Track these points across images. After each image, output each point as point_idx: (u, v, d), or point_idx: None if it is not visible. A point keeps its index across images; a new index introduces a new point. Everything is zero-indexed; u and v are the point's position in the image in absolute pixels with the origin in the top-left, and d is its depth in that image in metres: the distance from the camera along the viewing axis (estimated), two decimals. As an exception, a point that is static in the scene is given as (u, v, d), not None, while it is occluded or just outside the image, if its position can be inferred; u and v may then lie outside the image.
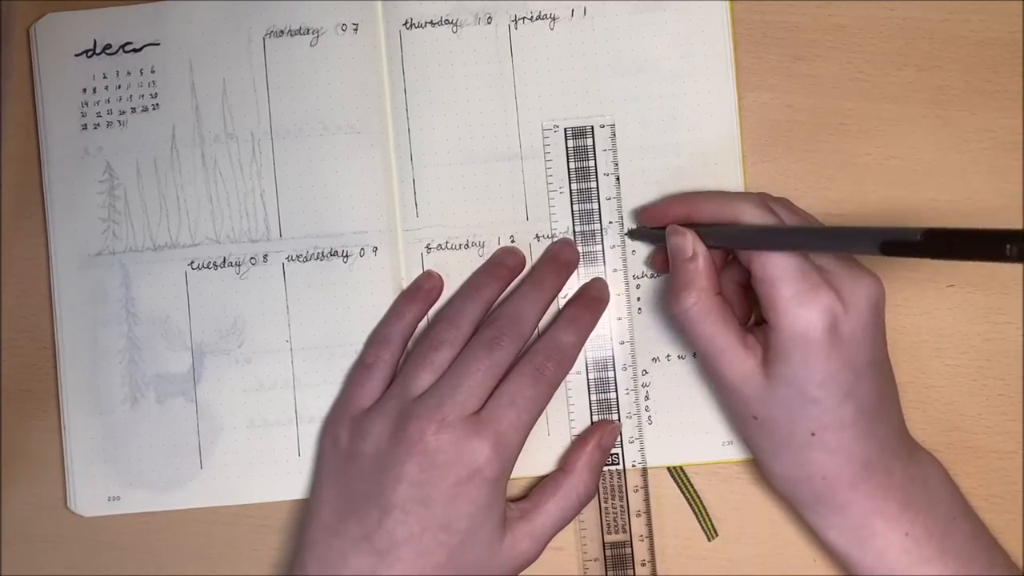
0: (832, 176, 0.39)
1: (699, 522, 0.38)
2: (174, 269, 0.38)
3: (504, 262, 0.38)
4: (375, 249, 0.38)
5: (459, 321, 0.36)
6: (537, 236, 0.39)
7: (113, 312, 0.38)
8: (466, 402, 0.34)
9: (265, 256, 0.38)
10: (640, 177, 0.38)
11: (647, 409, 0.39)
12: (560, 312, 0.37)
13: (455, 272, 0.38)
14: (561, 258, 0.38)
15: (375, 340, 0.37)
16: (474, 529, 0.33)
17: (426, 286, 0.38)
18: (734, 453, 0.38)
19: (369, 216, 0.38)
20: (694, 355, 0.39)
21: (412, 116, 0.38)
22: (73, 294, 0.39)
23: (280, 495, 0.38)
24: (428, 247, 0.39)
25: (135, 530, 0.39)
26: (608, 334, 0.38)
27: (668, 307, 0.35)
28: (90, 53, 0.39)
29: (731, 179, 0.38)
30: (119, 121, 0.39)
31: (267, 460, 0.38)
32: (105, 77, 0.39)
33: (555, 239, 0.38)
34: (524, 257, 0.38)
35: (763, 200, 0.35)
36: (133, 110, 0.39)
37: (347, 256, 0.38)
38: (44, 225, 0.39)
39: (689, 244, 0.34)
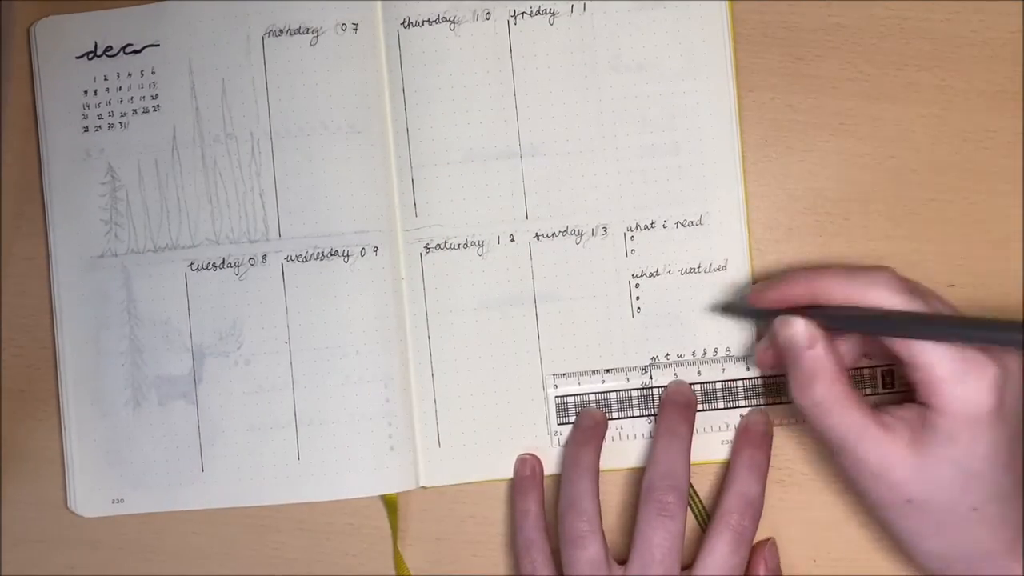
0: (832, 176, 0.39)
1: (697, 521, 0.38)
2: (174, 271, 0.38)
3: (583, 424, 0.38)
4: (376, 249, 0.38)
5: (583, 504, 0.36)
6: (537, 235, 0.39)
7: (115, 314, 0.38)
8: None
9: (264, 257, 0.38)
10: (639, 176, 0.38)
11: (646, 408, 0.38)
12: (734, 460, 0.37)
13: (454, 272, 0.38)
14: (682, 400, 0.37)
15: (521, 549, 0.37)
16: None
17: (526, 473, 0.38)
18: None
19: (369, 216, 0.38)
20: (693, 353, 0.38)
21: (411, 115, 0.38)
22: (74, 296, 0.39)
23: (280, 498, 0.38)
24: (427, 247, 0.39)
25: (136, 530, 0.39)
26: (608, 334, 0.38)
27: (793, 399, 0.33)
28: (91, 55, 0.39)
29: (730, 179, 0.38)
30: (120, 123, 0.39)
31: (267, 463, 0.38)
32: (106, 79, 0.39)
33: (669, 384, 0.38)
34: (603, 422, 0.38)
35: (897, 281, 0.33)
36: (134, 112, 0.39)
37: (347, 256, 0.38)
38: (44, 227, 0.39)
39: (804, 333, 0.33)
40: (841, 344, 0.35)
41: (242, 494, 0.38)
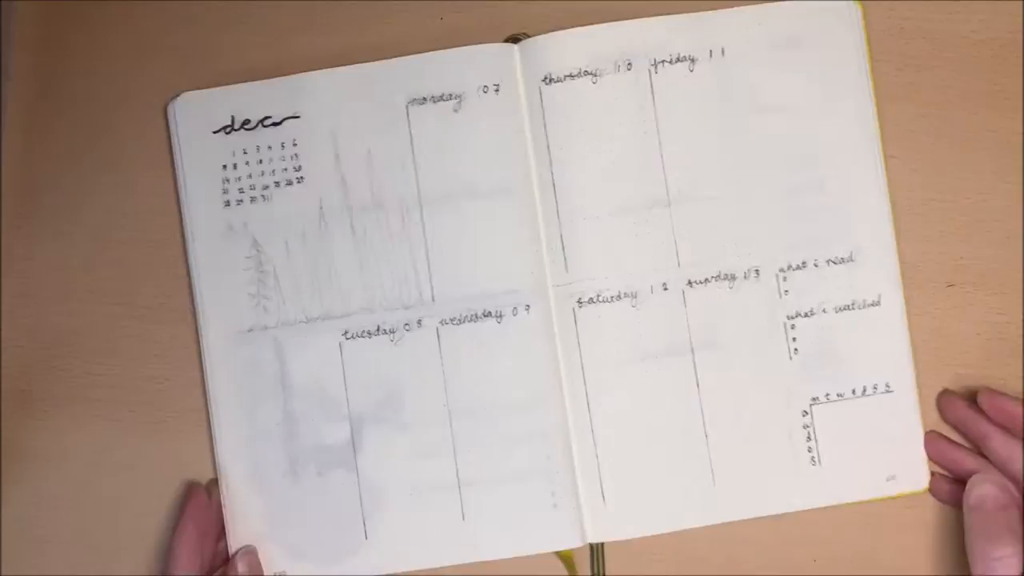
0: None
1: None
2: (328, 340, 0.38)
3: None
4: (527, 307, 0.38)
5: None
6: (690, 282, 0.38)
7: (268, 387, 0.38)
8: None
9: (419, 321, 0.38)
10: (787, 216, 0.38)
11: (810, 451, 0.38)
12: None
13: (608, 325, 0.38)
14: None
15: None
16: None
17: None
18: (893, 489, 0.38)
19: (520, 274, 0.38)
20: (852, 391, 0.38)
21: (556, 170, 0.38)
22: (226, 371, 0.38)
23: (446, 560, 0.38)
24: (579, 301, 0.38)
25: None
26: (768, 377, 0.38)
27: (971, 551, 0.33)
28: (228, 129, 0.39)
29: (878, 212, 0.38)
30: (263, 196, 0.39)
31: (432, 526, 0.38)
32: (245, 152, 0.39)
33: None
34: None
35: None
36: (276, 184, 0.39)
37: (500, 316, 0.38)
38: (192, 304, 0.39)
39: (1007, 495, 0.33)
40: None
41: (408, 558, 0.38)
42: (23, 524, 0.39)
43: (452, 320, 0.38)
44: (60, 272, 0.40)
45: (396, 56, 0.38)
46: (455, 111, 0.38)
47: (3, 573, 0.39)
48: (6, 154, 0.40)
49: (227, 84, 0.39)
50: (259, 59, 0.39)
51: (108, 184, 0.40)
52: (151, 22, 0.40)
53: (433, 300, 0.38)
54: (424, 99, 0.38)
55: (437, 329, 0.38)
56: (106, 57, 0.40)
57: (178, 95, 0.39)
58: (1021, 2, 0.38)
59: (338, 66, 0.38)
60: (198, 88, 0.39)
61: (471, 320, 0.38)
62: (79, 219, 0.40)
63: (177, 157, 0.39)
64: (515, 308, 0.38)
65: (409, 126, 0.38)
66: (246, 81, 0.39)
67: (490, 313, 0.38)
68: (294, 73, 0.39)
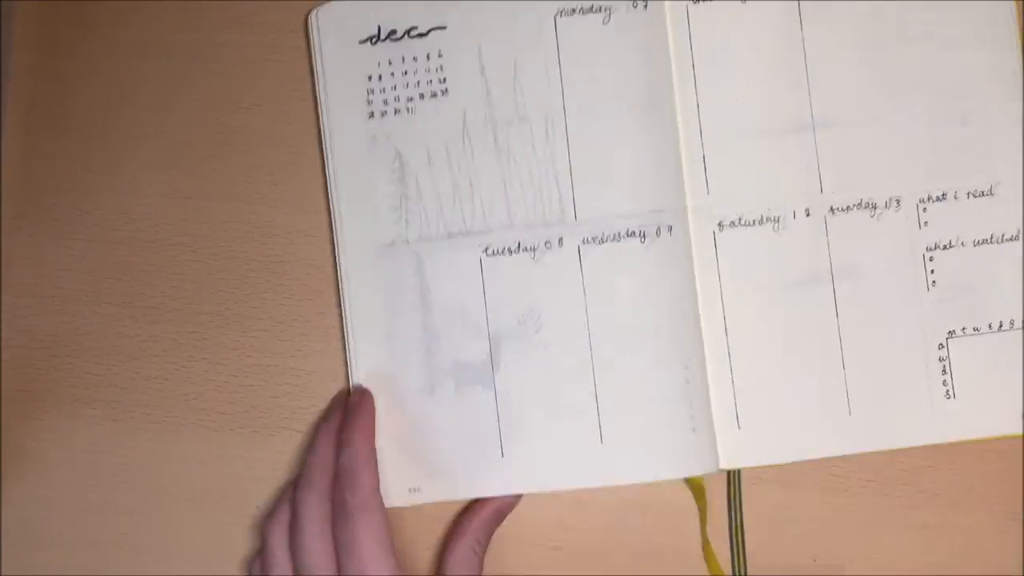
0: None
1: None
2: (468, 256, 0.38)
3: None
4: (670, 228, 0.38)
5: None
6: (832, 209, 0.38)
7: (407, 302, 0.38)
8: None
9: (560, 240, 0.38)
10: (929, 147, 0.38)
11: (944, 384, 0.38)
12: None
13: (749, 249, 0.38)
14: None
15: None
16: None
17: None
18: None
19: (664, 195, 0.38)
20: (989, 326, 0.38)
21: (701, 90, 0.38)
22: (364, 285, 0.38)
23: (582, 482, 0.38)
24: (720, 224, 0.38)
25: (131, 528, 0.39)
26: (904, 309, 0.38)
27: None
28: (374, 39, 0.38)
29: (1019, 148, 0.38)
30: (407, 108, 0.38)
31: (569, 447, 0.37)
32: (391, 63, 0.38)
33: None
34: None
35: None
36: (421, 96, 0.38)
37: (644, 236, 0.37)
38: (329, 216, 0.39)
39: None
40: None
41: (544, 479, 0.38)
42: (23, 524, 0.39)
43: (594, 239, 0.38)
44: (60, 272, 0.40)
45: (546, -32, 0.38)
46: (604, 23, 0.38)
47: (3, 573, 0.39)
48: (6, 154, 0.40)
49: (370, -2, 0.38)
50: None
51: (109, 184, 0.40)
52: (151, 22, 0.40)
53: (575, 218, 0.38)
54: (573, 10, 0.38)
55: (579, 248, 0.38)
56: (106, 57, 0.40)
57: (321, 5, 0.39)
58: (1021, 2, 0.38)
59: (486, -23, 0.38)
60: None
61: (613, 240, 0.38)
62: (79, 219, 0.40)
63: (319, 68, 0.39)
64: (659, 228, 0.38)
65: (557, 38, 0.38)
66: (391, -7, 0.38)
67: (633, 233, 0.37)
68: (440, -15, 0.38)
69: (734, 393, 0.38)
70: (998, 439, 0.38)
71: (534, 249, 0.38)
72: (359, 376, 0.38)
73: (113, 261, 0.40)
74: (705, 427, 0.38)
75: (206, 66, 0.40)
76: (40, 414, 0.39)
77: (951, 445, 0.38)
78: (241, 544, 0.39)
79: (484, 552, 0.37)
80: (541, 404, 0.38)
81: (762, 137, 0.38)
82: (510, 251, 0.38)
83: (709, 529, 0.39)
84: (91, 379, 0.40)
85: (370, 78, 0.38)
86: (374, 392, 0.38)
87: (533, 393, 0.38)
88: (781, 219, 0.38)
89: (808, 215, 0.38)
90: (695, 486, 0.38)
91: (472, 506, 0.38)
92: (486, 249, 0.38)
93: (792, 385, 0.38)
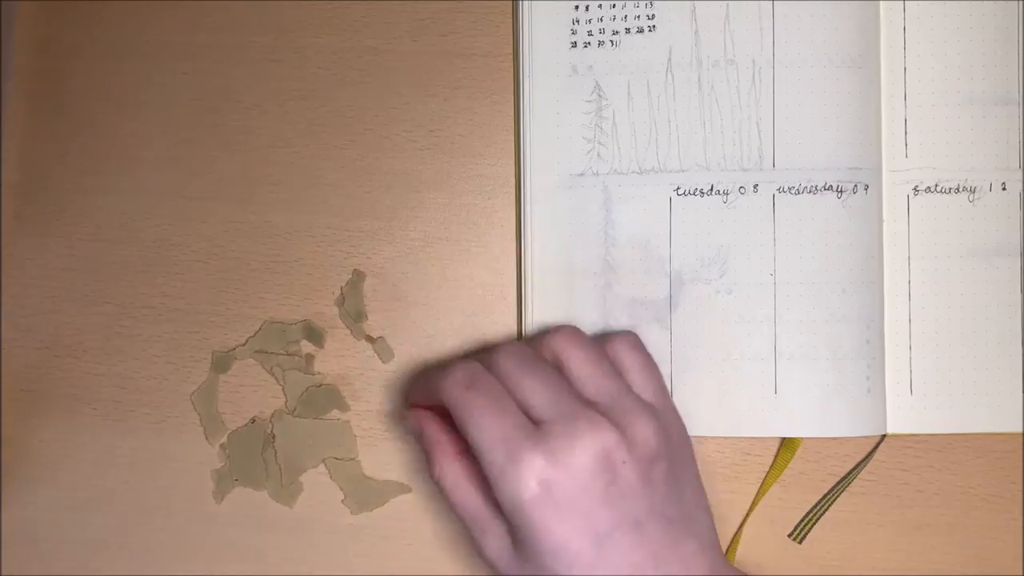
0: None
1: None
2: (658, 194, 0.38)
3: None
4: (866, 187, 0.37)
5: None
6: (1030, 185, 0.38)
7: (591, 234, 0.38)
8: None
9: (756, 186, 0.37)
10: None
11: None
12: None
13: (942, 217, 0.38)
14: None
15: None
16: None
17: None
18: None
19: (864, 153, 0.37)
20: None
21: (910, 53, 0.38)
22: (548, 213, 0.38)
23: (752, 431, 0.37)
24: (916, 189, 0.38)
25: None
26: None
27: None
28: (586, -30, 0.38)
29: None
30: (611, 41, 0.38)
31: (742, 394, 0.37)
32: (600, -5, 0.38)
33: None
34: None
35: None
36: (627, 30, 0.38)
37: (841, 192, 0.37)
38: (517, 141, 0.39)
39: (412, 422, 0.35)
40: None
41: (712, 424, 0.37)
42: (23, 524, 0.39)
43: (791, 189, 0.37)
44: (60, 272, 0.40)
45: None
46: (820, -26, 0.37)
47: (3, 573, 0.39)
48: (6, 154, 0.40)
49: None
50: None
51: (109, 184, 0.40)
52: (152, 22, 0.40)
53: (773, 166, 0.37)
54: (791, -42, 0.38)
55: (774, 196, 0.37)
56: (106, 57, 0.40)
57: (531, -69, 0.39)
58: (1020, 2, 0.38)
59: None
60: None
61: (810, 192, 0.37)
62: (79, 219, 0.40)
63: (525, -8, 0.39)
64: (855, 186, 0.37)
65: (771, -12, 0.38)
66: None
67: (831, 187, 0.37)
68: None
69: (910, 359, 0.38)
70: None
71: (727, 193, 0.38)
72: (532, 303, 0.38)
73: (113, 261, 0.40)
74: (879, 389, 0.37)
75: (206, 66, 0.40)
76: (40, 414, 0.39)
77: (951, 445, 0.38)
78: (242, 543, 0.39)
79: None
80: (717, 348, 0.37)
81: (965, 107, 0.37)
82: (702, 192, 0.38)
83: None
84: (91, 379, 0.40)
85: (576, 8, 0.38)
86: (548, 320, 0.38)
87: (710, 336, 0.37)
88: (977, 189, 0.38)
89: (1004, 189, 0.38)
90: (791, 442, 0.38)
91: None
92: (677, 188, 0.38)
93: (968, 357, 0.38)
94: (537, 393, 0.31)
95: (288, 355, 0.39)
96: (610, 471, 0.30)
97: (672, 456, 0.32)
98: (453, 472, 0.33)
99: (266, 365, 0.39)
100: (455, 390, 0.32)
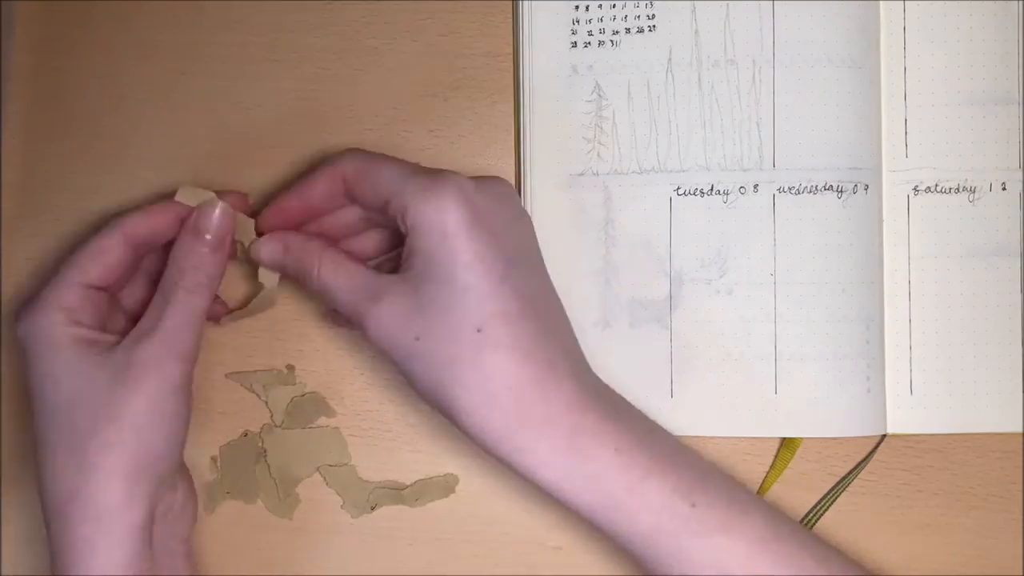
0: None
1: None
2: (658, 193, 0.38)
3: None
4: (866, 187, 0.37)
5: None
6: (1030, 185, 0.38)
7: (591, 234, 0.38)
8: None
9: (756, 186, 0.37)
10: None
11: None
12: None
13: (942, 217, 0.38)
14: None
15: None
16: None
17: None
18: None
19: (863, 153, 0.37)
20: None
21: (910, 53, 0.38)
22: (548, 214, 0.38)
23: (752, 431, 0.37)
24: (916, 189, 0.38)
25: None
26: None
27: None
28: (586, -30, 0.38)
29: None
30: (611, 40, 0.38)
31: (742, 394, 0.37)
32: (600, -5, 0.38)
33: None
34: None
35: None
36: (627, 30, 0.38)
37: (841, 192, 0.37)
38: (517, 141, 0.39)
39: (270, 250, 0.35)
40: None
41: (712, 424, 0.37)
42: (23, 524, 0.39)
43: (791, 189, 0.37)
44: None
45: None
46: (817, -26, 0.37)
47: (3, 573, 0.39)
48: (6, 154, 0.40)
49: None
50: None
51: (109, 184, 0.40)
52: (151, 22, 0.40)
53: (774, 166, 0.37)
54: (789, -42, 0.38)
55: (774, 196, 0.37)
56: (106, 57, 0.40)
57: (531, -69, 0.39)
58: (1020, 1, 0.38)
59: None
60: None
61: (810, 192, 0.37)
62: (79, 219, 0.40)
63: (527, -6, 0.39)
64: (855, 186, 0.37)
65: (771, -13, 0.38)
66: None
67: (831, 187, 0.37)
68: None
69: (910, 359, 0.38)
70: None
71: (727, 193, 0.38)
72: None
73: None
74: (879, 389, 0.37)
75: (206, 66, 0.40)
76: None
77: (951, 445, 0.38)
78: (243, 542, 0.39)
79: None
80: (717, 348, 0.37)
81: (965, 107, 0.38)
82: (702, 192, 0.38)
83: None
84: None
85: (577, 8, 0.38)
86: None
87: (710, 336, 0.37)
88: (977, 190, 0.38)
89: (1004, 189, 0.38)
90: (791, 442, 0.38)
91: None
92: (677, 188, 0.38)
93: (968, 357, 0.38)
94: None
95: (265, 370, 0.39)
96: (513, 206, 0.33)
97: None
98: (329, 256, 0.33)
99: (245, 383, 0.39)
100: (357, 154, 0.34)
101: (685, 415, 0.37)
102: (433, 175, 0.32)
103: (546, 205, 0.38)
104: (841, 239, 0.37)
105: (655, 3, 0.38)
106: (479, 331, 0.30)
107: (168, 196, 0.35)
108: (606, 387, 0.33)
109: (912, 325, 0.38)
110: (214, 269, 0.34)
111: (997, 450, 0.38)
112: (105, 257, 0.33)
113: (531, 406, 0.30)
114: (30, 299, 0.33)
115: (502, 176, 0.35)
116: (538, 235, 0.38)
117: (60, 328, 0.32)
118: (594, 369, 0.37)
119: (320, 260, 0.33)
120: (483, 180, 0.33)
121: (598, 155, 0.38)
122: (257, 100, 0.40)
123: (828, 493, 0.38)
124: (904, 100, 0.38)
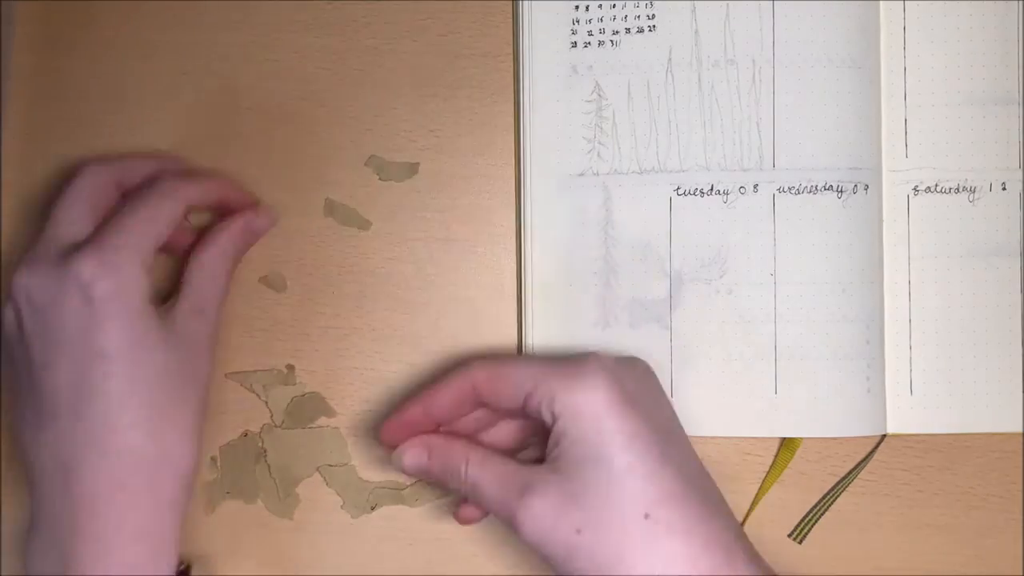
0: None
1: None
2: (658, 194, 0.38)
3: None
4: (866, 187, 0.37)
5: None
6: (1030, 185, 0.38)
7: (591, 234, 0.38)
8: None
9: (756, 186, 0.38)
10: None
11: None
12: None
13: (942, 217, 0.38)
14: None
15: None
16: None
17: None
18: None
19: (863, 153, 0.37)
20: None
21: (910, 53, 0.38)
22: (548, 213, 0.38)
23: (751, 431, 0.37)
24: (916, 189, 0.38)
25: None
26: None
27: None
28: (585, -30, 0.38)
29: None
30: (611, 41, 0.38)
31: (741, 394, 0.37)
32: (600, -5, 0.38)
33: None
34: None
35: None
36: (627, 30, 0.38)
37: (841, 192, 0.37)
38: (517, 142, 0.39)
39: (411, 457, 0.34)
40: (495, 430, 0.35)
41: (712, 424, 0.37)
42: (23, 524, 0.38)
43: (791, 189, 0.37)
44: None
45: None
46: (818, -29, 0.37)
47: (3, 573, 0.39)
48: (6, 154, 0.40)
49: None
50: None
51: None
52: (152, 21, 0.40)
53: (773, 166, 0.37)
54: (788, -39, 0.38)
55: (774, 196, 0.37)
56: (106, 57, 0.40)
57: (532, -69, 0.39)
58: (1020, 2, 0.38)
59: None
60: None
61: (810, 192, 0.37)
62: None
63: (526, -6, 0.39)
64: (855, 186, 0.37)
65: (771, -13, 0.38)
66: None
67: (831, 187, 0.37)
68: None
69: (910, 359, 0.38)
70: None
71: (727, 193, 0.38)
72: (533, 303, 0.38)
73: None
74: (879, 389, 0.37)
75: (206, 66, 0.40)
76: None
77: (951, 445, 0.38)
78: (244, 540, 0.39)
79: (233, 267, 0.37)
80: (717, 348, 0.37)
81: (965, 107, 0.38)
82: (702, 192, 0.38)
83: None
84: None
85: (577, 8, 0.38)
86: (548, 320, 0.38)
87: (710, 337, 0.37)
88: (977, 190, 0.38)
89: (1004, 189, 0.38)
90: (791, 442, 0.38)
91: (220, 222, 0.37)
92: (677, 188, 0.38)
93: (968, 357, 0.38)
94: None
95: (265, 370, 0.39)
96: (655, 382, 0.34)
97: None
98: (476, 454, 0.32)
99: (245, 384, 0.39)
100: (485, 362, 0.33)
101: (685, 415, 0.37)
102: (576, 361, 0.31)
103: (546, 205, 0.38)
104: (841, 239, 0.37)
105: (655, 3, 0.38)
106: (647, 517, 0.29)
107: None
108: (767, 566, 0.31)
109: (912, 325, 0.38)
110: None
111: (997, 450, 0.38)
112: (171, 224, 0.34)
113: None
114: (96, 254, 0.32)
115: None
116: (538, 235, 0.38)
117: (143, 287, 0.33)
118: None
119: (468, 458, 0.32)
120: (623, 360, 0.33)
121: (598, 155, 0.38)
122: (257, 100, 0.40)
123: (828, 493, 0.38)
124: (904, 100, 0.38)
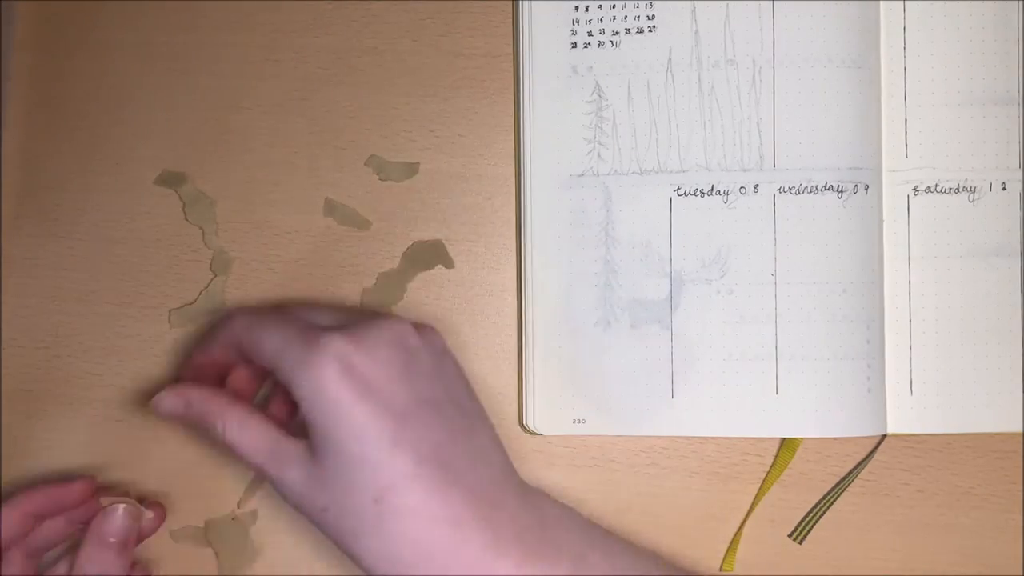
0: None
1: None
2: (659, 194, 0.38)
3: None
4: (867, 187, 0.37)
5: None
6: (1029, 185, 0.38)
7: (591, 234, 0.38)
8: None
9: (756, 186, 0.38)
10: None
11: None
12: None
13: (942, 217, 0.38)
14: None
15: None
16: None
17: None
18: None
19: (864, 153, 0.37)
20: None
21: (910, 54, 0.38)
22: (548, 214, 0.38)
23: (753, 431, 0.37)
24: (916, 189, 0.38)
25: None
26: None
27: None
28: (585, -30, 0.38)
29: None
30: (611, 41, 0.38)
31: (743, 394, 0.37)
32: (600, -5, 0.38)
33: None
34: None
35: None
36: (627, 31, 0.38)
37: (841, 192, 0.37)
38: (517, 142, 0.39)
39: (172, 399, 0.33)
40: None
41: (713, 424, 0.37)
42: None
43: (791, 189, 0.37)
44: (60, 272, 0.40)
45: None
46: (819, -22, 0.37)
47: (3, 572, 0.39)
48: (6, 154, 0.40)
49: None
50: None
51: (109, 184, 0.40)
52: (152, 22, 0.40)
53: (774, 166, 0.37)
54: (788, -39, 0.38)
55: (774, 196, 0.37)
56: (106, 57, 0.40)
57: (533, -69, 0.39)
58: (1020, 2, 0.38)
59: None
60: None
61: (811, 192, 0.37)
62: (79, 219, 0.40)
63: (525, -6, 0.39)
64: (856, 186, 0.37)
65: (772, -13, 0.38)
66: (605, -74, 0.38)
67: (831, 187, 0.37)
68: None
69: (910, 358, 0.38)
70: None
71: (727, 193, 0.38)
72: (532, 302, 0.38)
73: (113, 261, 0.40)
74: (879, 389, 0.37)
75: (206, 66, 0.40)
76: (40, 414, 0.39)
77: (951, 445, 0.38)
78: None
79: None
80: (718, 349, 0.37)
81: (965, 107, 0.38)
82: (702, 193, 0.38)
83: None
84: (91, 379, 0.39)
85: (576, 8, 0.38)
86: (547, 320, 0.38)
87: (711, 337, 0.37)
88: (977, 190, 0.38)
89: (1004, 189, 0.38)
90: (791, 442, 0.38)
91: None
92: (677, 189, 0.38)
93: (968, 357, 0.38)
94: (325, 316, 0.34)
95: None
96: (406, 351, 0.31)
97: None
98: (234, 415, 0.32)
99: None
100: (242, 318, 0.33)
101: (686, 415, 0.37)
102: (310, 342, 0.31)
103: (546, 205, 0.38)
104: (841, 239, 0.37)
105: (655, 3, 0.38)
106: (376, 502, 0.30)
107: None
108: (536, 508, 0.32)
109: (912, 325, 0.38)
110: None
111: (997, 450, 0.38)
112: None
113: (443, 570, 0.30)
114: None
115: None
116: (538, 236, 0.38)
117: None
118: (594, 370, 0.38)
119: (224, 418, 0.32)
120: (365, 331, 0.31)
121: (598, 155, 0.38)
122: (257, 100, 0.40)
123: (828, 493, 0.38)
124: (904, 100, 0.38)
